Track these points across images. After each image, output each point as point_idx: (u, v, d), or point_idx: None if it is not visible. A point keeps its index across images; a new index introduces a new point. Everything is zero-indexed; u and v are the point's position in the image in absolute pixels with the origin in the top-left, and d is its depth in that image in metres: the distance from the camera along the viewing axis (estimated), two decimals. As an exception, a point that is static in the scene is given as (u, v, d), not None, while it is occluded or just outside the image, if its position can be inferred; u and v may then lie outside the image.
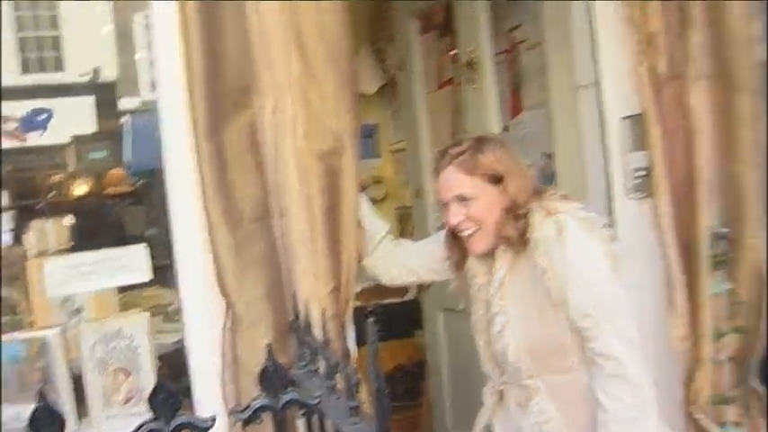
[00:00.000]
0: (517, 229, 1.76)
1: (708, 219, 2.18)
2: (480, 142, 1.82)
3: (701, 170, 2.18)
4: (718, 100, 2.18)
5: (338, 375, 1.14)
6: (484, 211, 1.78)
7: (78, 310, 2.21)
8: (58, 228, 2.46)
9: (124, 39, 11.04)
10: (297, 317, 1.54)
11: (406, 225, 3.90)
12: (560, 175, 2.59)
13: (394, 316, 3.75)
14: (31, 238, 2.33)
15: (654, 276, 2.25)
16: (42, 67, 12.47)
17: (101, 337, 1.91)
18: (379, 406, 0.99)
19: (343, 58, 1.82)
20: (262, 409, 1.04)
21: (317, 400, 1.07)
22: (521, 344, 1.77)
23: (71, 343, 1.97)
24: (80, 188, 8.16)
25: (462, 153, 1.80)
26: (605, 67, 2.32)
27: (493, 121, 2.91)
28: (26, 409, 0.88)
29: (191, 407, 1.77)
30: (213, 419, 0.96)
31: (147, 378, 1.90)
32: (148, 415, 0.93)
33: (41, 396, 0.89)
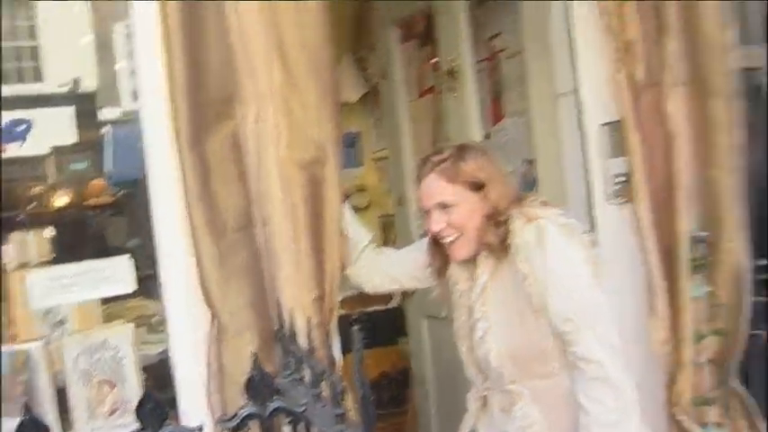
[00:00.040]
0: (498, 235, 1.78)
1: (687, 223, 2.22)
2: (461, 150, 1.84)
3: (679, 175, 2.22)
4: (695, 106, 2.22)
5: (324, 383, 1.15)
6: (465, 217, 1.80)
7: (61, 322, 2.20)
8: (39, 239, 2.45)
9: (104, 49, 10.98)
10: (281, 326, 1.54)
11: (389, 233, 3.91)
12: (541, 182, 2.62)
13: (378, 324, 3.76)
14: (11, 251, 2.32)
15: (635, 280, 2.27)
16: (21, 78, 12.36)
17: (85, 348, 1.90)
18: (364, 413, 1.00)
19: (324, 68, 1.83)
20: (249, 417, 1.04)
21: (304, 408, 1.08)
22: (502, 349, 1.79)
23: (54, 355, 1.96)
24: (61, 199, 8.09)
25: (444, 161, 1.82)
26: (584, 75, 2.35)
27: (474, 129, 2.94)
28: (10, 423, 0.88)
29: (176, 417, 1.77)
30: (200, 429, 0.96)
31: (133, 389, 1.89)
32: (134, 426, 0.93)
33: (27, 409, 0.89)
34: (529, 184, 2.70)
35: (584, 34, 2.34)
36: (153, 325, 2.76)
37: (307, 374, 1.23)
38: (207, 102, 1.78)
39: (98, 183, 8.48)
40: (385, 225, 4.08)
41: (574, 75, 2.38)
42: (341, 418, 1.04)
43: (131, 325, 2.00)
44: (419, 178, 1.86)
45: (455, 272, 1.90)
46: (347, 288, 2.14)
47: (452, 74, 2.98)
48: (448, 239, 1.83)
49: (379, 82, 3.73)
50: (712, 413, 2.23)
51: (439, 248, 1.89)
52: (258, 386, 1.05)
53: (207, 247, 1.77)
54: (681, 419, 2.22)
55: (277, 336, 1.59)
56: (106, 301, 2.23)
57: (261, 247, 1.78)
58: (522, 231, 1.76)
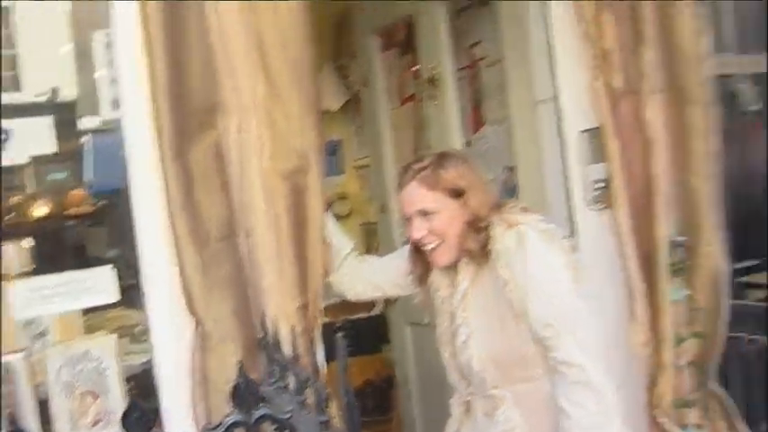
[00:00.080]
0: (479, 241, 1.80)
1: (665, 228, 2.25)
2: (442, 158, 1.86)
3: (657, 181, 2.25)
4: (672, 113, 2.26)
5: (308, 391, 1.16)
6: (446, 224, 1.81)
7: (42, 334, 2.18)
8: (18, 250, 2.42)
9: (83, 57, 10.91)
10: (266, 334, 1.55)
11: (372, 240, 3.92)
12: (522, 188, 2.64)
13: (361, 331, 3.76)
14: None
15: (615, 285, 2.30)
16: (-1, 87, 12.24)
17: (67, 360, 1.89)
18: (349, 420, 1.01)
19: (306, 76, 1.83)
20: (235, 425, 1.05)
21: (289, 416, 1.08)
22: (484, 354, 1.81)
23: (36, 367, 1.95)
24: (40, 209, 8.02)
25: (424, 168, 1.83)
26: (563, 83, 2.38)
27: (455, 137, 2.96)
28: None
29: (161, 427, 1.76)
30: (186, 437, 0.96)
31: (116, 400, 1.88)
32: (120, 436, 0.93)
33: (12, 420, 0.89)
34: (509, 190, 2.72)
35: (563, 42, 2.37)
36: (135, 335, 2.74)
37: (291, 382, 1.24)
38: (190, 111, 1.78)
39: (78, 193, 8.41)
40: (367, 233, 4.09)
41: (553, 82, 2.41)
42: (325, 425, 1.05)
43: (114, 336, 1.99)
44: (400, 186, 1.88)
45: (436, 278, 1.92)
46: (330, 296, 2.15)
47: (433, 82, 3.00)
48: (429, 246, 1.84)
49: (360, 90, 3.74)
50: (692, 415, 2.26)
51: (420, 255, 1.91)
52: (243, 394, 1.05)
53: (190, 257, 1.77)
54: (662, 422, 2.25)
55: (261, 344, 1.60)
56: (87, 311, 2.21)
57: (244, 256, 1.78)
58: (502, 237, 1.78)
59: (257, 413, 1.05)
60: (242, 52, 1.76)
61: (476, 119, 3.00)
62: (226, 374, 1.62)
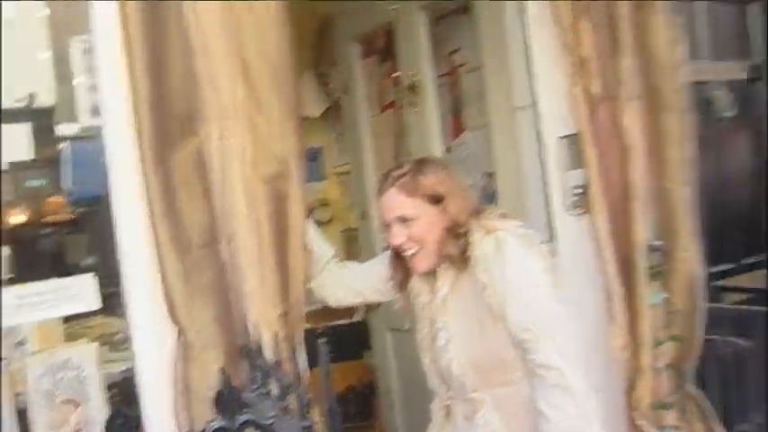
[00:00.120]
0: (458, 247, 1.81)
1: (643, 233, 2.28)
2: (421, 164, 1.88)
3: (635, 187, 2.28)
4: (649, 120, 2.29)
5: (291, 396, 1.16)
6: (425, 230, 1.83)
7: (21, 343, 2.16)
8: (-4, 258, 2.40)
9: (61, 64, 10.82)
10: (248, 340, 1.55)
11: (353, 247, 3.93)
12: (501, 194, 2.66)
13: (343, 338, 3.75)
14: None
15: (594, 289, 2.33)
16: (-25, 94, 12.09)
17: (47, 368, 1.88)
18: (331, 426, 1.01)
19: (287, 80, 1.84)
20: (218, 430, 1.05)
21: (271, 421, 1.09)
22: (464, 359, 1.82)
23: (16, 376, 1.93)
24: (17, 217, 7.92)
25: (403, 175, 1.85)
26: (542, 90, 2.41)
27: (435, 143, 2.98)
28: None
29: (143, 434, 1.76)
30: (169, 444, 0.97)
31: (97, 408, 1.87)
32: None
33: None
34: (489, 196, 2.74)
35: (542, 49, 2.39)
36: (115, 343, 2.72)
37: (273, 388, 1.25)
38: (171, 117, 1.78)
39: (56, 200, 8.31)
40: (348, 239, 4.09)
41: (532, 89, 2.43)
42: (308, 430, 1.05)
43: (95, 344, 1.98)
44: (380, 192, 1.89)
45: (416, 284, 1.93)
46: (311, 302, 2.15)
47: (413, 89, 3.02)
48: (409, 252, 1.86)
49: (340, 97, 3.75)
50: (670, 417, 2.29)
51: (400, 261, 1.92)
52: (227, 400, 1.06)
53: (172, 264, 1.76)
54: (640, 424, 2.27)
55: (243, 351, 1.60)
56: (67, 319, 2.20)
57: (226, 263, 1.78)
58: (481, 243, 1.79)
59: (241, 418, 1.05)
60: (221, 53, 1.75)
61: (456, 125, 3.02)
62: (208, 382, 1.63)
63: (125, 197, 1.81)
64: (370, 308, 3.45)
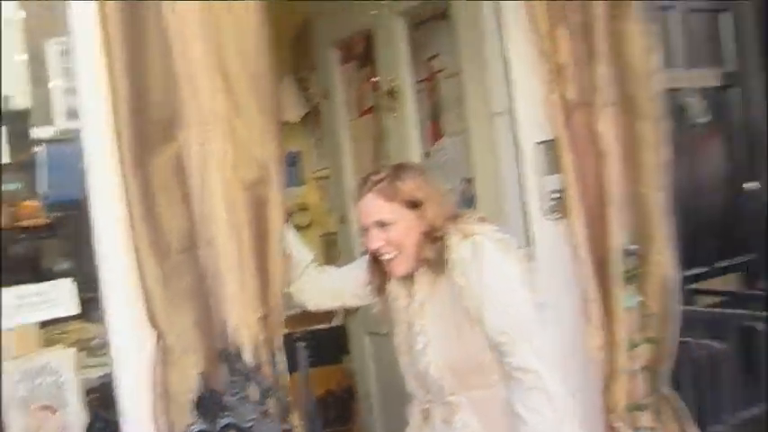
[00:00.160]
0: (435, 251, 1.83)
1: (618, 237, 2.31)
2: (399, 170, 1.90)
3: (610, 192, 2.31)
4: (624, 126, 2.33)
5: (270, 400, 1.17)
6: (403, 235, 1.84)
7: (-3, 348, 2.14)
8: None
9: (37, 66, 10.71)
10: (227, 345, 1.55)
11: (332, 251, 3.93)
12: (480, 199, 2.68)
13: (322, 342, 3.75)
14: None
15: (571, 292, 2.35)
16: (-52, 97, 11.91)
17: (24, 374, 1.86)
18: (311, 429, 1.02)
19: (266, 84, 1.84)
20: (198, 435, 1.06)
21: (251, 424, 1.10)
22: (441, 362, 1.83)
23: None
24: (-9, 221, 7.81)
25: (382, 180, 1.86)
26: (519, 96, 2.44)
27: (414, 148, 2.99)
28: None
29: (121, 440, 1.75)
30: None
31: (75, 414, 1.85)
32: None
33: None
34: (467, 201, 2.76)
35: (519, 56, 2.42)
36: (93, 348, 2.70)
37: (253, 392, 1.25)
38: (150, 121, 1.77)
39: (31, 204, 8.22)
40: (327, 243, 4.10)
41: (509, 95, 2.46)
42: (288, 433, 1.06)
43: (73, 349, 1.97)
44: (358, 197, 1.90)
45: (394, 288, 1.95)
46: (290, 307, 2.16)
47: (392, 94, 3.04)
48: (387, 256, 1.87)
49: (319, 102, 3.75)
50: (645, 418, 2.32)
51: (378, 266, 1.93)
52: (207, 404, 1.06)
53: (151, 269, 1.76)
54: (617, 426, 2.30)
55: (223, 355, 1.60)
56: (44, 324, 2.18)
57: (205, 267, 1.78)
58: (458, 247, 1.81)
59: (221, 422, 1.06)
60: (200, 54, 1.75)
61: (434, 130, 3.04)
62: (187, 387, 1.62)
63: (103, 201, 1.80)
64: (349, 312, 3.45)
